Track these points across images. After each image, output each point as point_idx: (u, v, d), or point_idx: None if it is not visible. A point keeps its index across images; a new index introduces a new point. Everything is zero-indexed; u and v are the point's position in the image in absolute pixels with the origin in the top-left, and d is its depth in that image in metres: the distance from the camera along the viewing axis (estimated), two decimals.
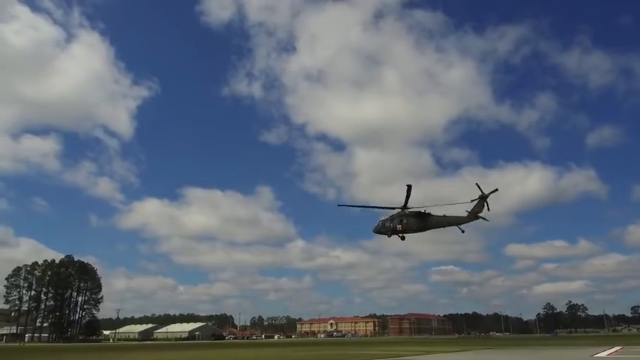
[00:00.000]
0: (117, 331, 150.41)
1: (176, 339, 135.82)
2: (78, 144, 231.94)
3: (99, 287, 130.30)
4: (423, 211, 24.01)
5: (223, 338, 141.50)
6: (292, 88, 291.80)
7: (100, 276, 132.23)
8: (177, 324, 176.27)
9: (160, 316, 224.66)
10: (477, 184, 23.09)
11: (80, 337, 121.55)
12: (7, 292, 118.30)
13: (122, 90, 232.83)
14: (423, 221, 24.28)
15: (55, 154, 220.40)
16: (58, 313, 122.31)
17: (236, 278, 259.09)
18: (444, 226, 24.18)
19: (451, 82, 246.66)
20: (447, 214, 24.05)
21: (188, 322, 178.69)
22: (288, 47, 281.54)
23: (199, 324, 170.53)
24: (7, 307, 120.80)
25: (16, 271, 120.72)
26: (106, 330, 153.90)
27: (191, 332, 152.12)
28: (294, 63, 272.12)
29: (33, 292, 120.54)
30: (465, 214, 23.08)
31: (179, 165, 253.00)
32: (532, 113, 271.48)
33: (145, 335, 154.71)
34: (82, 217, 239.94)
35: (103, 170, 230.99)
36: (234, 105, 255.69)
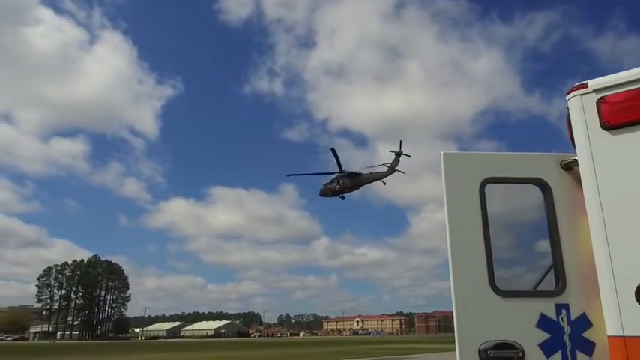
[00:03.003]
0: (145, 328, 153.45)
1: (202, 336, 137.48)
2: (105, 145, 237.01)
3: (126, 286, 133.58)
4: (354, 172, 28.75)
5: (248, 336, 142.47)
6: (313, 83, 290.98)
7: (126, 275, 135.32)
8: (204, 322, 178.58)
9: (189, 313, 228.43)
10: (400, 141, 28.22)
11: (110, 335, 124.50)
12: (39, 292, 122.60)
13: (147, 90, 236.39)
14: (354, 180, 28.97)
15: (83, 155, 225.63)
16: (87, 312, 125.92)
17: (263, 276, 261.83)
18: (372, 182, 28.98)
19: (477, 73, 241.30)
20: (373, 171, 29.07)
21: (215, 320, 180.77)
22: (307, 42, 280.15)
23: (225, 322, 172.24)
24: (39, 305, 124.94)
25: (47, 271, 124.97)
26: (136, 328, 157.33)
27: (217, 330, 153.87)
28: (314, 58, 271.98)
29: (63, 291, 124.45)
30: (386, 169, 28.31)
31: (203, 164, 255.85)
32: (564, 103, 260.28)
33: (172, 333, 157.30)
34: (111, 218, 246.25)
35: (130, 171, 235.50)
36: (255, 102, 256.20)
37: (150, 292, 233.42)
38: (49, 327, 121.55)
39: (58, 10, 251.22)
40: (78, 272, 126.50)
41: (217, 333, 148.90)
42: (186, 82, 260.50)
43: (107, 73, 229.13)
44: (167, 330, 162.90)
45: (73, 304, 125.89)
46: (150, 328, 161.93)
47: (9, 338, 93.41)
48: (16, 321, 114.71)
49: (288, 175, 75.00)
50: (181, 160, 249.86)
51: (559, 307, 2.64)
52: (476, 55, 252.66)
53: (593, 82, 2.77)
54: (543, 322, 2.61)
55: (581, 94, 2.77)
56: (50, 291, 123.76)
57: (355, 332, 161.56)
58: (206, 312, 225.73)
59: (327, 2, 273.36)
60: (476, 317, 2.61)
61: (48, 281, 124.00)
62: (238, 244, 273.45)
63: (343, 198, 29.85)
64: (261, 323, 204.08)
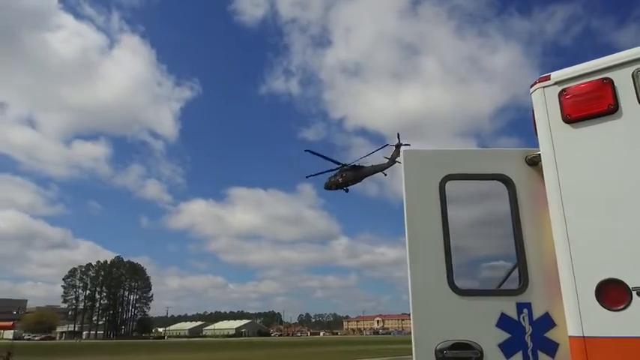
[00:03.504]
0: (168, 328, 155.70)
1: (223, 336, 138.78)
2: (126, 148, 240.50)
3: (149, 286, 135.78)
4: (356, 164, 30.01)
5: (269, 335, 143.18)
6: (329, 82, 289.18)
7: (149, 275, 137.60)
8: (225, 321, 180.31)
9: (211, 313, 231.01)
10: (397, 133, 31.82)
11: (134, 334, 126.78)
12: (64, 292, 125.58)
13: (165, 92, 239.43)
14: (356, 172, 30.21)
15: (105, 158, 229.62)
16: (111, 312, 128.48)
17: (283, 276, 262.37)
18: (373, 174, 30.24)
19: (496, 68, 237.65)
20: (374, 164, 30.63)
21: (236, 320, 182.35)
22: (323, 41, 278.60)
23: (245, 321, 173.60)
24: (65, 306, 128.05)
25: (72, 272, 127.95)
26: (160, 327, 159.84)
27: (237, 329, 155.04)
28: (330, 57, 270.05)
29: (88, 292, 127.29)
30: (386, 161, 29.82)
31: (222, 165, 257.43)
32: None
33: (194, 332, 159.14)
34: (133, 219, 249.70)
35: (151, 172, 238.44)
36: (272, 103, 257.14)
37: (172, 292, 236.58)
38: (74, 327, 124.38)
39: (78, 16, 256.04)
40: (102, 273, 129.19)
41: (238, 332, 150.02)
42: (203, 84, 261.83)
43: (127, 77, 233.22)
44: (189, 329, 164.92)
45: (97, 304, 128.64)
46: (172, 327, 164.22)
47: (36, 338, 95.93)
48: (43, 321, 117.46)
49: (307, 177, 75.31)
50: (200, 161, 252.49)
51: (520, 307, 2.57)
52: (494, 50, 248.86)
53: (556, 74, 2.69)
54: (504, 322, 2.54)
55: (543, 87, 2.70)
56: (75, 291, 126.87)
57: (376, 332, 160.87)
58: (227, 312, 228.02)
59: (342, 0, 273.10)
60: (433, 317, 2.56)
61: (73, 282, 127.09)
62: (258, 244, 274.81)
63: (347, 190, 30.94)
64: (281, 323, 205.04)
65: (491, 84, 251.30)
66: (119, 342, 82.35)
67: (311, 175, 33.41)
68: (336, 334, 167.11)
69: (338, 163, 32.34)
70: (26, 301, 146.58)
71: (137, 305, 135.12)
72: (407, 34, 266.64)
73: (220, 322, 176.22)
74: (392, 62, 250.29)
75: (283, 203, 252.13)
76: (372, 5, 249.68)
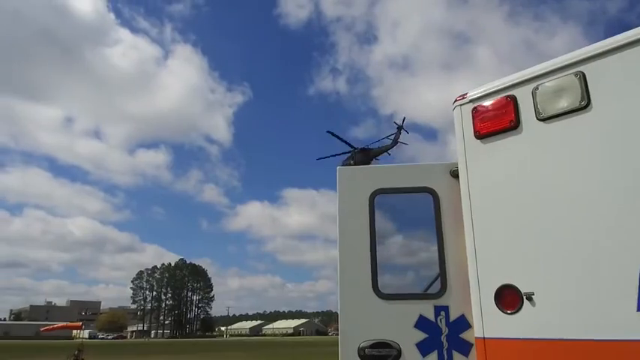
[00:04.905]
0: (229, 327, 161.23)
1: (282, 335, 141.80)
2: (184, 154, 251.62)
3: (210, 287, 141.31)
4: (365, 147, 31.42)
5: (326, 334, 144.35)
6: (377, 78, 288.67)
7: (210, 276, 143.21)
8: (284, 320, 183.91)
9: (270, 312, 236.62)
10: (404, 117, 32.67)
11: (198, 333, 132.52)
12: (133, 294, 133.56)
13: (218, 98, 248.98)
14: (365, 154, 31.09)
15: (166, 165, 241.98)
16: (176, 311, 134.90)
17: None
18: (380, 154, 31.51)
19: (555, 52, 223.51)
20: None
21: (294, 319, 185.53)
22: (369, 38, 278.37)
23: (303, 320, 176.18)
24: (134, 306, 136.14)
25: (139, 275, 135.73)
26: (222, 326, 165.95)
27: (296, 328, 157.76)
28: (377, 53, 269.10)
29: (154, 293, 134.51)
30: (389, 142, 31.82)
31: (275, 167, 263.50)
32: None
33: (255, 331, 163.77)
34: (194, 222, 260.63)
35: (208, 177, 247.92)
36: (320, 102, 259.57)
37: (233, 292, 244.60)
38: (143, 326, 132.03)
39: (134, 30, 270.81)
40: (166, 275, 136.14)
41: (296, 331, 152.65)
42: (254, 88, 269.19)
43: (182, 85, 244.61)
44: (250, 328, 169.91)
45: (163, 305, 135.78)
46: (233, 326, 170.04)
47: (109, 337, 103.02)
48: (115, 321, 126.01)
49: (318, 159, 77.15)
50: (254, 163, 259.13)
51: (438, 309, 2.80)
52: (552, 33, 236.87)
53: (471, 93, 2.89)
54: (421, 323, 2.78)
55: (460, 105, 2.91)
56: (143, 293, 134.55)
57: None
58: (286, 311, 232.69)
59: None
60: (358, 318, 2.85)
61: (140, 284, 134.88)
62: (312, 243, 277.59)
63: None
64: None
65: None
66: (172, 341, 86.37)
67: (321, 158, 35.07)
68: None
69: (352, 147, 34.74)
70: (100, 302, 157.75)
71: (200, 305, 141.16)
72: (456, 24, 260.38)
73: (279, 321, 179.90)
74: (442, 53, 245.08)
75: (335, 202, 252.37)
76: None
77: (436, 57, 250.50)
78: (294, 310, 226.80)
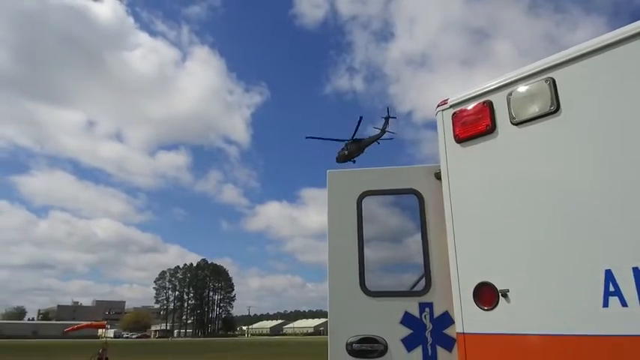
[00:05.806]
0: (250, 326, 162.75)
1: (303, 334, 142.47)
2: (204, 155, 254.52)
3: (231, 287, 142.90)
4: (357, 137, 33.68)
5: None
6: (395, 76, 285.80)
7: (231, 276, 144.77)
8: (304, 320, 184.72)
9: (291, 312, 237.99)
10: (387, 107, 31.99)
11: (219, 332, 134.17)
12: (156, 294, 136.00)
13: (236, 99, 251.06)
14: (358, 144, 33.63)
15: (186, 166, 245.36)
16: (199, 311, 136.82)
17: None
18: (370, 144, 33.78)
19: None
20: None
21: (314, 319, 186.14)
22: (385, 35, 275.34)
23: (323, 319, 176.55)
24: (157, 306, 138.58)
25: (162, 275, 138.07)
26: (243, 326, 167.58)
27: (316, 327, 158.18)
28: (394, 50, 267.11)
29: (177, 293, 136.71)
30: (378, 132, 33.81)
31: (293, 166, 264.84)
32: None
33: (275, 331, 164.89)
34: (214, 223, 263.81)
35: (227, 178, 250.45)
36: (337, 101, 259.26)
37: (253, 291, 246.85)
38: (166, 325, 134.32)
39: (152, 33, 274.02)
40: (188, 275, 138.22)
41: (317, 331, 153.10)
42: (271, 88, 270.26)
43: (200, 87, 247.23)
44: (270, 328, 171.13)
45: (185, 305, 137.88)
46: (255, 326, 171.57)
47: (133, 336, 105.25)
48: (139, 320, 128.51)
49: (307, 138, 69.45)
50: (272, 164, 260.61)
51: (423, 306, 2.93)
52: (574, 25, 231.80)
53: (452, 99, 3.02)
54: (407, 319, 2.92)
55: (442, 110, 3.04)
56: (166, 293, 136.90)
57: None
58: (306, 310, 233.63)
59: None
60: (346, 315, 3.01)
61: (163, 284, 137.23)
62: None
63: (354, 162, 34.26)
64: None
65: None
66: (195, 340, 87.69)
67: (310, 137, 36.30)
68: None
69: (341, 140, 35.92)
70: (124, 302, 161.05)
71: (221, 305, 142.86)
72: (475, 19, 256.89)
73: (299, 321, 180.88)
74: (460, 49, 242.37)
75: None
76: None
77: (454, 53, 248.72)
78: (314, 310, 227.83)
